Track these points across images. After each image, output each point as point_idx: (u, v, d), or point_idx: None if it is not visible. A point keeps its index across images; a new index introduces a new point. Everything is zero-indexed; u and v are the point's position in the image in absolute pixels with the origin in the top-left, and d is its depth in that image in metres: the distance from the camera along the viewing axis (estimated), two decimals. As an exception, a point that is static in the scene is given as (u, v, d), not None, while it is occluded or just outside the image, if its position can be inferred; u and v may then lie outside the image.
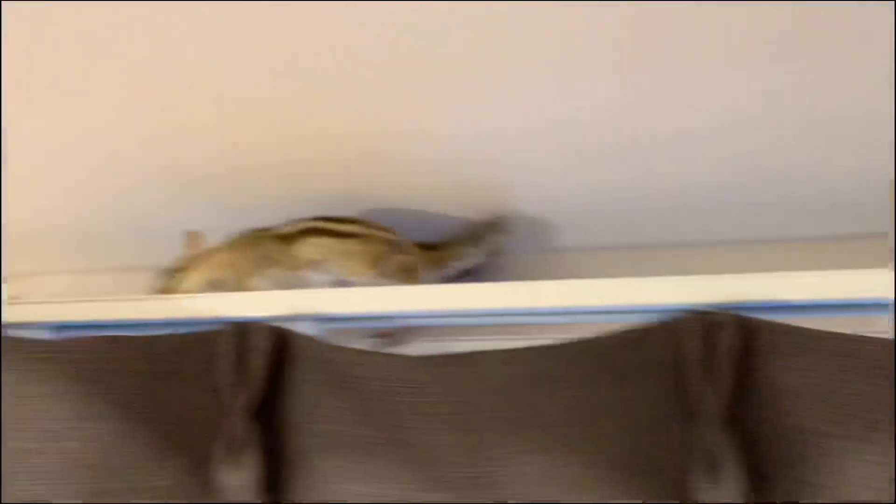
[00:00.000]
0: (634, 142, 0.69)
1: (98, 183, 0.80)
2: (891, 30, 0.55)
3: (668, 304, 0.56)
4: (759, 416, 0.52)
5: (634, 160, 0.71)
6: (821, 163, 0.70)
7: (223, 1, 0.55)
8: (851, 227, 0.77)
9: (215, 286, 0.76)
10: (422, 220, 0.81)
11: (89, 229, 0.89)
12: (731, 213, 0.79)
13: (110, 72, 0.63)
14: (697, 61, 0.59)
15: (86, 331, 0.66)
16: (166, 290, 0.78)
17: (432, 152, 0.72)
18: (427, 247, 0.80)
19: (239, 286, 0.75)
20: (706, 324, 0.53)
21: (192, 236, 0.80)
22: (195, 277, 0.77)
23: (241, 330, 0.60)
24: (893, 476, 0.48)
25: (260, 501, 0.56)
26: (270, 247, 0.77)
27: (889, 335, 0.51)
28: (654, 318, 0.55)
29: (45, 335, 0.68)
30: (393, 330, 0.76)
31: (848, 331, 0.53)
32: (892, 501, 0.48)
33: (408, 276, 0.74)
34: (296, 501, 0.56)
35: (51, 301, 0.69)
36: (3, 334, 0.63)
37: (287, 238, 0.77)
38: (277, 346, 0.59)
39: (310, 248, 0.76)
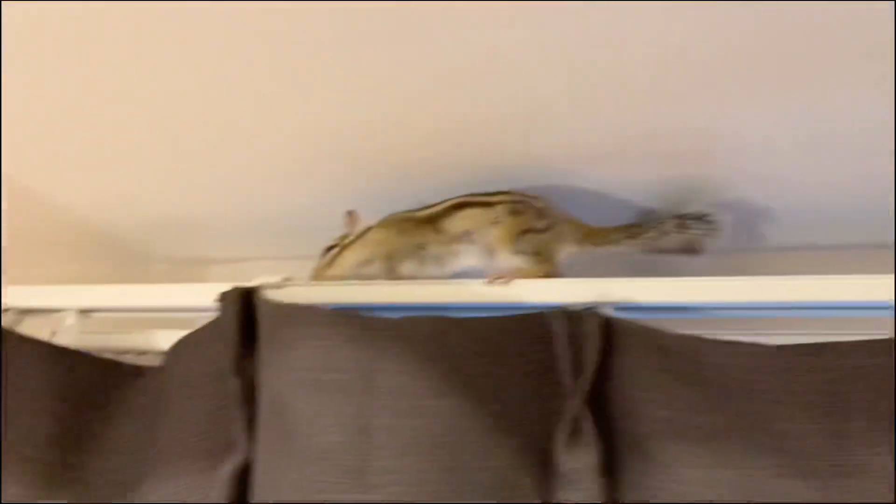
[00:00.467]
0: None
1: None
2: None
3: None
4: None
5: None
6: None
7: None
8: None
9: (366, 265, 0.76)
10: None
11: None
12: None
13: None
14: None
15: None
16: (320, 269, 0.79)
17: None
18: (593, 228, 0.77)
19: (389, 265, 0.75)
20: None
21: (349, 216, 0.80)
22: (349, 256, 0.78)
23: (574, 315, 0.61)
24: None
25: (597, 485, 0.56)
26: (419, 226, 0.77)
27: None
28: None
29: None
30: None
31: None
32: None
33: (540, 259, 0.72)
34: (630, 486, 0.57)
35: (343, 284, 0.70)
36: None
37: (435, 217, 0.77)
38: (608, 331, 0.60)
39: (459, 220, 0.76)
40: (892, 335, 0.58)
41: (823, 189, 0.74)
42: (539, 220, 0.74)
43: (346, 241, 0.79)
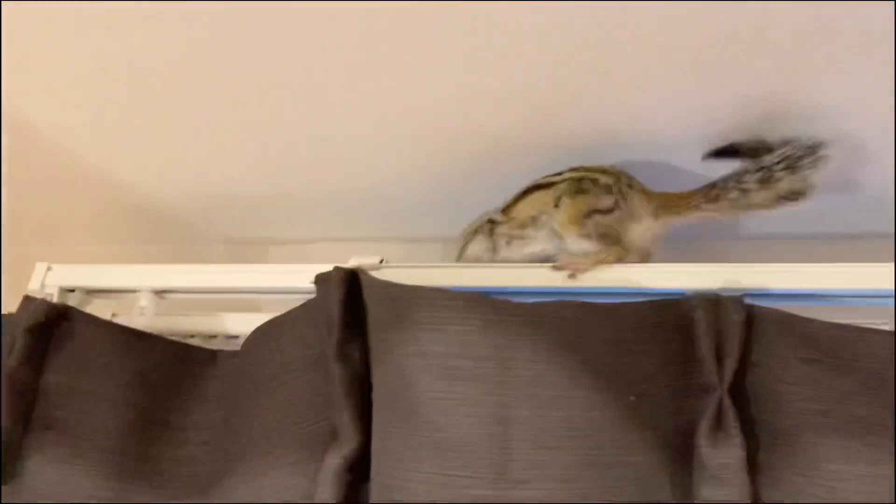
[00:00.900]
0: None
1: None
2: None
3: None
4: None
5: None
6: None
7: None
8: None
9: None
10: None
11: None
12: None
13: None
14: None
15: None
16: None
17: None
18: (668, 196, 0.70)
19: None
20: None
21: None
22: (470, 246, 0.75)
23: (717, 302, 0.57)
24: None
25: (744, 481, 0.53)
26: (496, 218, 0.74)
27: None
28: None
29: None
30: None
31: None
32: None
33: (609, 242, 0.67)
34: (775, 482, 0.54)
35: (446, 266, 0.66)
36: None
37: (510, 204, 0.74)
38: (749, 319, 0.57)
39: (525, 205, 0.72)
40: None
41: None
42: (605, 199, 0.68)
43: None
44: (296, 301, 0.68)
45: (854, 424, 0.53)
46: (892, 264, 0.59)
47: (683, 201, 0.69)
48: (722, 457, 0.53)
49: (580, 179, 0.70)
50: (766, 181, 0.66)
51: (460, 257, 0.75)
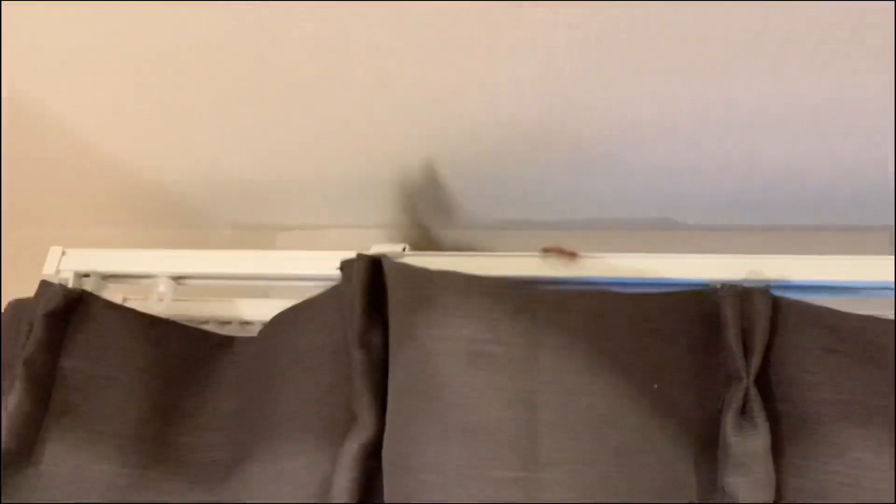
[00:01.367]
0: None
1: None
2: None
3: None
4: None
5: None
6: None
7: None
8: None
9: None
10: None
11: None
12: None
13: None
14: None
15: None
16: None
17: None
18: None
19: None
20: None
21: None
22: None
23: (743, 293, 0.58)
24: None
25: (768, 468, 0.54)
26: None
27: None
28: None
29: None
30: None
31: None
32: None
33: None
34: (795, 470, 0.55)
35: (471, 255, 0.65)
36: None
37: None
38: (774, 311, 0.58)
39: None
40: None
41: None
42: None
43: None
44: (315, 288, 0.68)
45: (877, 414, 0.54)
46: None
47: None
48: (747, 445, 0.54)
49: None
50: None
51: None
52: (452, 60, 0.65)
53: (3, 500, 0.63)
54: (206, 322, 0.76)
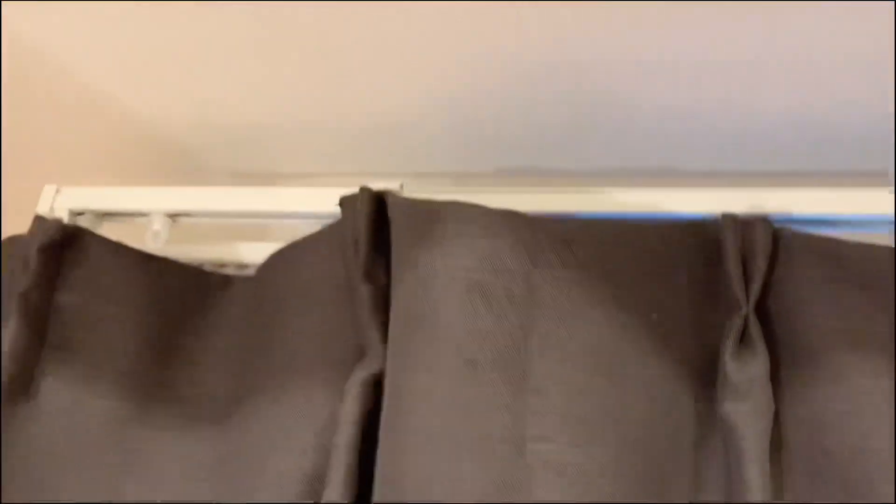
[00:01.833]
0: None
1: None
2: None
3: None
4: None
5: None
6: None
7: None
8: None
9: None
10: None
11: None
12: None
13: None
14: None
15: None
16: None
17: None
18: None
19: None
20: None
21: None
22: None
23: (744, 223, 0.58)
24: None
25: (767, 395, 0.54)
26: None
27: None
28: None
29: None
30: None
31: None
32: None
33: None
34: (795, 397, 0.55)
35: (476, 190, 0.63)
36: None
37: None
38: (775, 240, 0.58)
39: None
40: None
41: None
42: None
43: None
44: (314, 227, 0.67)
45: (878, 341, 0.54)
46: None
47: None
48: (746, 372, 0.54)
49: None
50: None
51: None
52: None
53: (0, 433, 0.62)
54: (202, 265, 0.76)
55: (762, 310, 0.57)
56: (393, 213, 0.61)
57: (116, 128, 0.85)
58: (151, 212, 0.71)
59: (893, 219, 0.60)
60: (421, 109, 0.78)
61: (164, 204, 0.71)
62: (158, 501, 0.62)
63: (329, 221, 0.66)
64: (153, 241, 0.70)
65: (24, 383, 0.64)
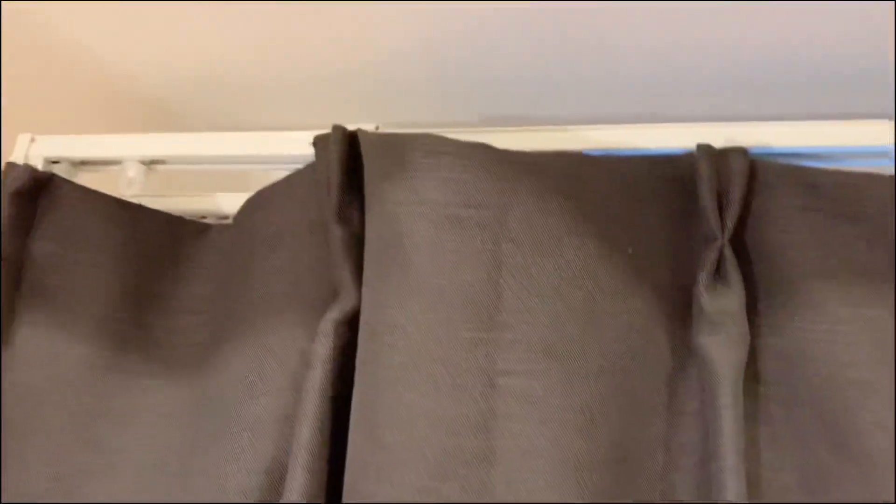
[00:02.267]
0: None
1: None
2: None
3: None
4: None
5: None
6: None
7: None
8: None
9: None
10: None
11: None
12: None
13: None
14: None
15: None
16: None
17: None
18: None
19: None
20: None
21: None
22: None
23: (718, 154, 0.57)
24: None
25: (742, 326, 0.54)
26: None
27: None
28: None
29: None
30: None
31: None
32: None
33: None
34: (773, 329, 0.55)
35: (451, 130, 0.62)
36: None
37: None
38: (752, 172, 0.57)
39: None
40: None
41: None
42: None
43: None
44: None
45: (855, 270, 0.53)
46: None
47: None
48: (720, 304, 0.54)
49: None
50: None
51: None
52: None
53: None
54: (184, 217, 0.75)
55: (738, 241, 0.56)
56: (365, 150, 0.60)
57: (94, 80, 0.84)
58: (125, 159, 0.70)
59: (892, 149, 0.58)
60: (400, 55, 0.77)
61: (139, 151, 0.70)
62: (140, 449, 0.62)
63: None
64: (127, 188, 0.70)
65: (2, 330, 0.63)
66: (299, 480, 0.52)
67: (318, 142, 0.62)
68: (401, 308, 0.54)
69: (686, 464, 0.53)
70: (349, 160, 0.61)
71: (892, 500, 0.50)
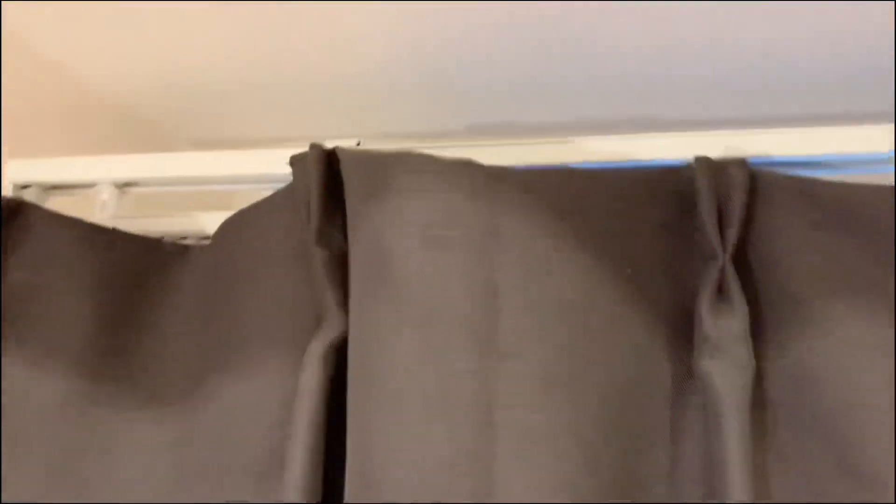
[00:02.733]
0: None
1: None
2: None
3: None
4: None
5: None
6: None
7: None
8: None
9: None
10: None
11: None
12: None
13: None
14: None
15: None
16: None
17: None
18: None
19: None
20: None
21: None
22: None
23: (718, 166, 0.54)
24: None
25: (746, 349, 0.51)
26: None
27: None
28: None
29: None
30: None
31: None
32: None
33: None
34: (778, 349, 0.52)
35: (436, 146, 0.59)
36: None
37: None
38: (753, 184, 0.54)
39: None
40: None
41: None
42: None
43: None
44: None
45: (864, 288, 0.50)
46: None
47: None
48: (723, 327, 0.51)
49: None
50: None
51: None
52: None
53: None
54: (162, 238, 0.72)
55: (740, 259, 0.53)
56: (345, 169, 0.57)
57: (69, 98, 0.82)
58: (98, 181, 0.67)
59: (892, 156, 0.56)
60: (383, 64, 0.74)
61: (111, 173, 0.67)
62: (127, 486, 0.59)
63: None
64: (101, 211, 0.67)
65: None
66: None
67: (296, 162, 0.59)
68: (391, 335, 0.52)
69: (691, 494, 0.51)
70: (329, 179, 0.58)
71: (893, 500, 0.47)
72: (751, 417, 0.49)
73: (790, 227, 0.53)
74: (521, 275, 0.51)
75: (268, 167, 0.64)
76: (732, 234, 0.52)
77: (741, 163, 0.54)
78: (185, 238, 0.72)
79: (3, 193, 0.65)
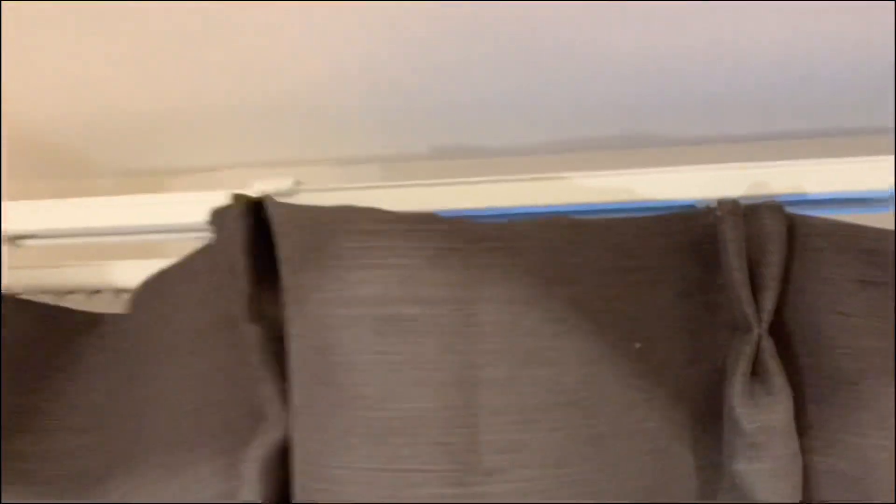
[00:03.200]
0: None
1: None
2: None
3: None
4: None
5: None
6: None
7: None
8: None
9: None
10: None
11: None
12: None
13: None
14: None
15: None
16: None
17: None
18: None
19: None
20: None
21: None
22: None
23: (748, 210, 0.43)
24: None
25: (792, 447, 0.41)
26: None
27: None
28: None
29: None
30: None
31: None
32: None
33: None
34: (828, 445, 0.41)
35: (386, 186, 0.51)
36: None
37: None
38: (791, 232, 0.43)
39: None
40: None
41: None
42: None
43: None
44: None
45: None
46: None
47: None
48: (763, 418, 0.41)
49: None
50: None
51: None
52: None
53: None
54: (72, 293, 0.61)
55: (778, 327, 0.43)
56: (277, 228, 0.46)
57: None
58: (-19, 233, 0.55)
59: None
60: (330, 80, 0.64)
61: (-2, 224, 0.55)
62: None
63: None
64: (-14, 273, 0.55)
65: None
66: None
67: (215, 217, 0.48)
68: (337, 449, 0.41)
69: None
70: (258, 237, 0.47)
71: (892, 501, 0.41)
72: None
73: (837, 286, 0.42)
74: (505, 364, 0.40)
75: (187, 215, 0.53)
76: (769, 298, 0.42)
77: (775, 206, 0.43)
78: (97, 291, 0.62)
79: None
